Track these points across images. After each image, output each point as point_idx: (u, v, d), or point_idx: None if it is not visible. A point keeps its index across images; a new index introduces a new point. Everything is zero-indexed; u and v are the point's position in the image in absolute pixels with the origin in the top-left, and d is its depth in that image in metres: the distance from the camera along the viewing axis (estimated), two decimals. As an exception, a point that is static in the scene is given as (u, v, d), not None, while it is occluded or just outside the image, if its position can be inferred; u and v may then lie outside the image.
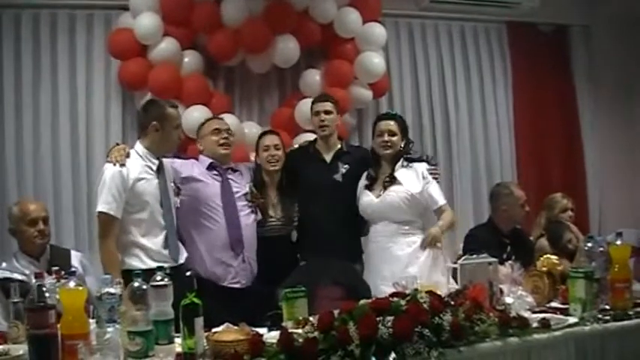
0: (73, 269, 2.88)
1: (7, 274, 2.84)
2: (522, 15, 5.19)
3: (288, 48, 4.21)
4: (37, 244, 2.97)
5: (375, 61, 4.41)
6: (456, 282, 2.53)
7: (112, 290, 2.04)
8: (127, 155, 2.93)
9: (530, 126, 5.24)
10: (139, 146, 3.01)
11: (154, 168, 2.98)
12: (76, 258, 3.11)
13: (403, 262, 3.12)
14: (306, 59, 4.47)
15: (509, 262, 2.79)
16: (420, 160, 3.33)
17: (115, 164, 2.88)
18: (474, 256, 2.58)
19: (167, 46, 4.08)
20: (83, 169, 4.20)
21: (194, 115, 4.00)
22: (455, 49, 5.12)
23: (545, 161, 5.27)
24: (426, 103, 5.02)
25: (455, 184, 5.04)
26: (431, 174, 3.23)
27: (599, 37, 5.40)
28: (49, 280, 2.51)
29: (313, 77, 4.40)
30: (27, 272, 2.85)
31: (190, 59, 4.18)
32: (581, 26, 5.43)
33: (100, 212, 2.87)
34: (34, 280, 2.61)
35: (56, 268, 2.49)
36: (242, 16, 4.10)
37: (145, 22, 4.02)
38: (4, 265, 2.94)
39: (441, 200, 3.23)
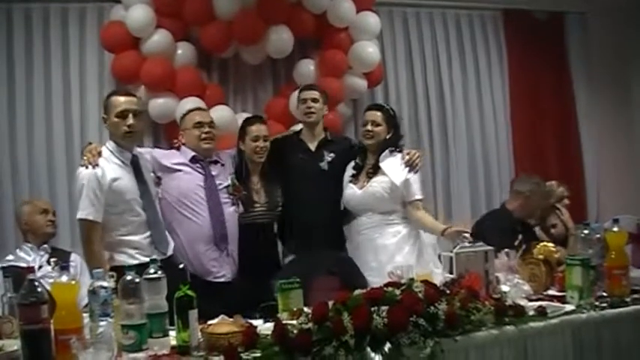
0: (72, 262, 3.16)
1: (12, 262, 3.15)
2: (518, 2, 5.18)
3: (281, 39, 4.19)
4: (48, 232, 3.31)
5: (369, 50, 4.39)
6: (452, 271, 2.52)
7: (104, 284, 2.02)
8: (99, 154, 2.86)
9: (527, 114, 5.22)
10: (109, 143, 2.94)
11: (127, 162, 2.91)
12: (75, 259, 3.25)
13: (389, 251, 3.13)
14: (300, 50, 4.45)
15: (506, 250, 2.77)
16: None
17: (87, 167, 2.81)
18: (479, 243, 2.57)
19: (160, 38, 4.05)
20: (77, 164, 4.08)
21: (187, 107, 3.96)
22: (450, 38, 5.10)
23: (541, 149, 5.26)
24: (421, 92, 4.99)
25: (451, 172, 5.03)
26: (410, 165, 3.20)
27: (594, 23, 5.37)
28: (47, 268, 2.94)
29: (307, 67, 4.38)
30: (29, 259, 3.19)
31: (183, 51, 4.16)
32: (576, 13, 5.40)
33: (79, 219, 2.82)
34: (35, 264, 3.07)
35: (55, 259, 2.61)
36: (235, 7, 4.07)
37: (137, 14, 3.99)
38: (10, 256, 3.26)
39: (417, 194, 3.20)
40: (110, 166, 2.85)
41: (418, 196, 3.20)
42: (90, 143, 3.02)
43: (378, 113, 3.28)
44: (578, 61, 5.42)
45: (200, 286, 2.85)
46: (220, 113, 4.10)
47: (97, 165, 2.82)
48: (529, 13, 5.28)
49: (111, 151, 2.90)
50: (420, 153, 3.33)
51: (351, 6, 4.32)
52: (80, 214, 2.81)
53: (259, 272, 3.15)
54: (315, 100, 3.45)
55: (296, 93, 4.12)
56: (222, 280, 3.17)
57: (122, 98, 2.90)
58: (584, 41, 5.42)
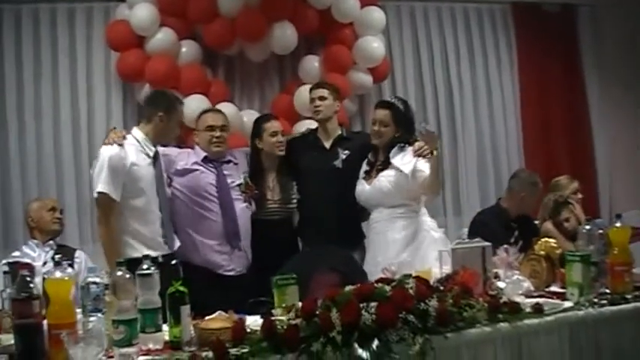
0: (76, 259, 3.24)
1: (18, 258, 3.10)
2: (527, -5, 5.12)
3: (285, 35, 4.18)
4: (54, 229, 3.36)
5: (374, 45, 4.36)
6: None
7: (97, 280, 2.04)
8: (124, 138, 2.93)
9: (537, 108, 5.16)
10: (137, 132, 3.00)
11: (151, 155, 2.98)
12: (80, 256, 3.32)
13: (397, 247, 3.09)
14: (305, 46, 4.44)
15: (505, 246, 2.73)
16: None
17: (112, 144, 2.86)
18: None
19: (164, 36, 4.07)
20: (85, 162, 4.20)
21: (192, 104, 3.98)
22: (458, 32, 5.05)
23: (552, 143, 5.19)
24: (429, 88, 4.96)
25: (460, 168, 4.99)
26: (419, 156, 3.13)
27: (606, 16, 5.29)
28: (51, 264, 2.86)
29: (312, 63, 4.37)
30: (34, 255, 3.19)
31: (188, 49, 4.18)
32: (587, 6, 5.32)
33: (100, 193, 2.84)
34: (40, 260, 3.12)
35: (60, 255, 2.59)
36: (238, 4, 4.06)
37: (142, 13, 4.01)
38: (16, 252, 3.30)
39: (426, 170, 3.04)
40: (133, 153, 2.91)
41: (426, 172, 3.03)
42: (114, 128, 3.10)
43: (387, 112, 3.22)
44: (589, 55, 5.33)
45: (209, 280, 2.98)
46: (225, 110, 4.10)
47: (122, 145, 2.87)
48: (539, 6, 5.21)
49: (138, 141, 2.96)
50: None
51: (355, 1, 4.30)
52: (101, 188, 2.83)
53: (273, 267, 3.16)
54: (322, 98, 3.44)
55: (301, 89, 4.15)
56: (232, 273, 3.22)
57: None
58: (595, 34, 5.33)
